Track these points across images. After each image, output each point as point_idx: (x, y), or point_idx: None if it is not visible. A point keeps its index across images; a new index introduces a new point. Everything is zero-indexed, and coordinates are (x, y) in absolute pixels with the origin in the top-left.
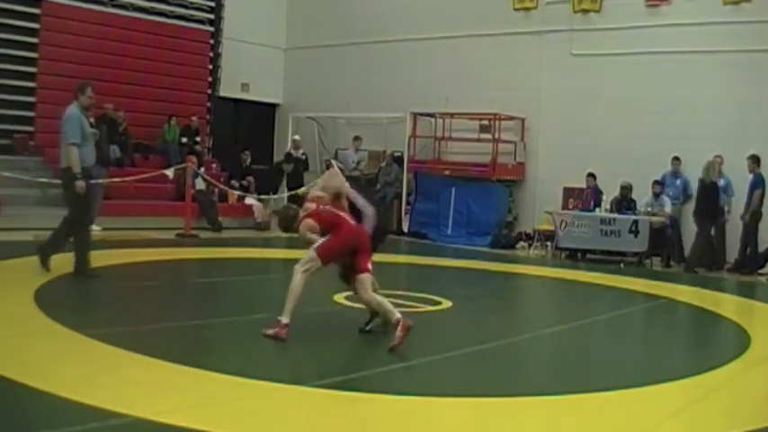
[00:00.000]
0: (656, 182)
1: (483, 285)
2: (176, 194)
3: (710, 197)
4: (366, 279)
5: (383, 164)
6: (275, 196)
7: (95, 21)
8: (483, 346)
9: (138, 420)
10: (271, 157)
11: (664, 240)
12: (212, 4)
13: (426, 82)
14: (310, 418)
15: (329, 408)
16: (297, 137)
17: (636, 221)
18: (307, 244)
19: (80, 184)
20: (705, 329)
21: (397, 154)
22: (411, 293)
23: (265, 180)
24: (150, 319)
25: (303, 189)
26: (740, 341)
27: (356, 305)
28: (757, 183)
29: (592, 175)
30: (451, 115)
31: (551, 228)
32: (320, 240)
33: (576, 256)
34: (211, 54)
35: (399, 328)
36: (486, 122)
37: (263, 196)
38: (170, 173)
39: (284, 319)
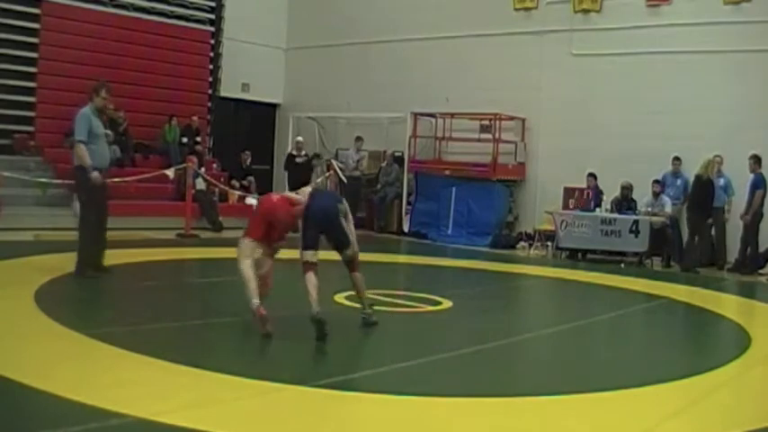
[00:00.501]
0: (655, 181)
1: (483, 285)
2: (177, 194)
3: (705, 193)
4: (244, 246)
5: (384, 164)
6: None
7: (96, 21)
8: (483, 347)
9: (139, 420)
10: (271, 158)
11: (664, 240)
12: (213, 4)
13: (427, 82)
14: (310, 418)
15: (329, 408)
16: (300, 138)
17: (636, 221)
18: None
19: (95, 174)
20: (705, 329)
21: (397, 154)
22: (411, 293)
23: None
24: (150, 319)
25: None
26: (740, 341)
27: (357, 305)
28: (758, 183)
29: (592, 175)
30: (452, 115)
31: (552, 228)
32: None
33: (576, 256)
34: (212, 54)
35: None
36: (486, 122)
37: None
38: (170, 173)
39: (254, 302)
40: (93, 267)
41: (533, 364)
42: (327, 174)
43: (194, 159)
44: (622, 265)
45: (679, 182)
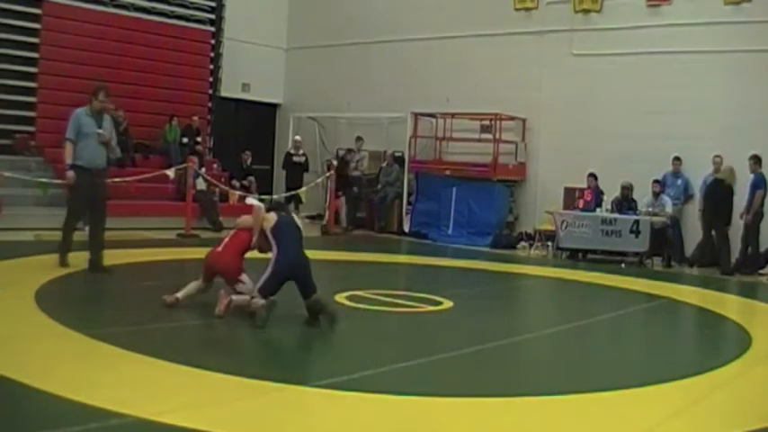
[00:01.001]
0: (656, 181)
1: (484, 285)
2: (177, 194)
3: (727, 199)
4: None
5: (384, 164)
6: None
7: (96, 21)
8: (484, 347)
9: (139, 420)
10: (272, 158)
11: (665, 240)
12: (213, 4)
13: (427, 82)
14: (311, 418)
15: (330, 408)
16: (298, 137)
17: (637, 221)
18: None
19: (69, 173)
20: (706, 329)
21: (397, 154)
22: (412, 293)
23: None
24: (151, 319)
25: (303, 190)
26: (741, 341)
27: (358, 305)
28: (758, 183)
29: (593, 175)
30: (452, 115)
31: (552, 228)
32: None
33: (576, 257)
34: (212, 54)
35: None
36: (486, 122)
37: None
38: (171, 173)
39: (179, 294)
40: (93, 267)
41: (534, 365)
42: (327, 174)
43: (195, 159)
44: (623, 266)
45: (679, 182)
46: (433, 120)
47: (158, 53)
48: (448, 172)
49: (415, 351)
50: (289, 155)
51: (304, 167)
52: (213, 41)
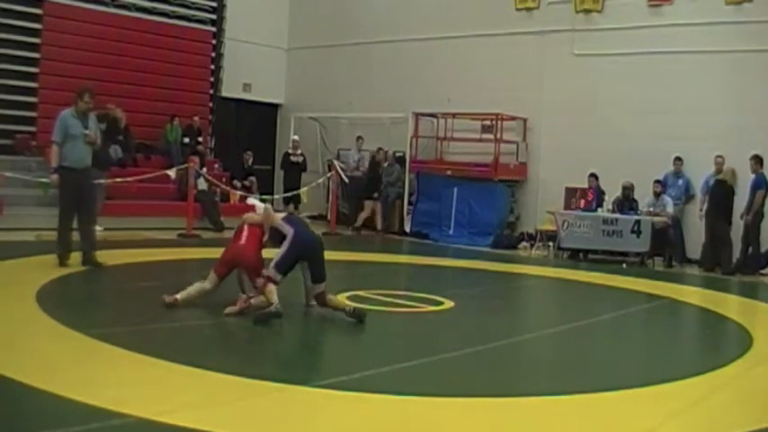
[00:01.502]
0: (657, 181)
1: (485, 286)
2: (178, 195)
3: (728, 199)
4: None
5: (385, 164)
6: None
7: (97, 21)
8: (485, 347)
9: (140, 420)
10: (273, 158)
11: (666, 240)
12: (214, 4)
13: (428, 82)
14: (312, 418)
15: (331, 408)
16: (296, 137)
17: (638, 221)
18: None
19: (53, 177)
20: (707, 330)
21: (399, 154)
22: (413, 293)
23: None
24: (152, 319)
25: (303, 190)
26: (742, 341)
27: (359, 306)
28: (759, 183)
29: (593, 176)
30: (453, 115)
31: (553, 228)
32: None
33: (578, 257)
34: (213, 54)
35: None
36: (488, 122)
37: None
38: (172, 173)
39: (179, 296)
40: (86, 262)
41: (535, 365)
42: (329, 174)
43: (196, 159)
44: (624, 266)
45: (680, 182)
46: (434, 120)
47: (159, 53)
48: (449, 172)
49: (415, 351)
50: (287, 155)
51: (302, 167)
52: (214, 41)
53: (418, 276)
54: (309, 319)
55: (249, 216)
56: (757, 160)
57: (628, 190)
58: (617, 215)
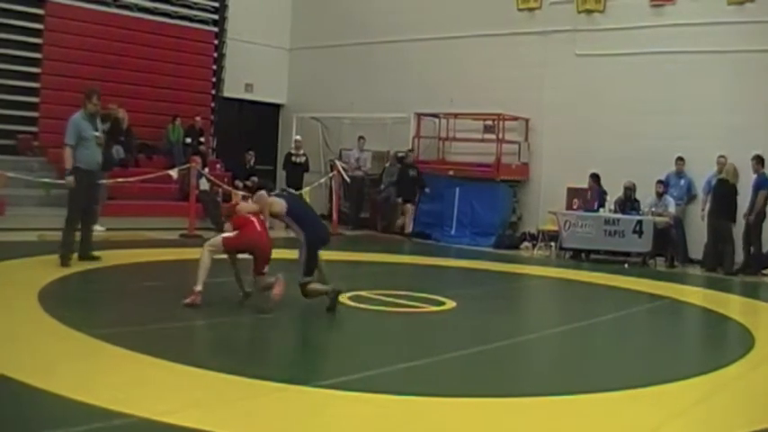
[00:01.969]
0: (659, 182)
1: (487, 286)
2: (180, 195)
3: (731, 199)
4: (260, 280)
5: (387, 164)
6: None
7: (99, 21)
8: (487, 347)
9: (142, 420)
10: (275, 158)
11: (668, 241)
12: (216, 4)
13: (430, 82)
14: (314, 418)
15: (333, 408)
16: (298, 137)
17: (640, 222)
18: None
19: (68, 179)
20: (709, 330)
21: (400, 154)
22: (415, 293)
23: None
24: (154, 319)
25: (305, 190)
26: (744, 341)
27: (360, 306)
28: (761, 183)
29: (593, 176)
30: (455, 116)
31: (555, 228)
32: (230, 234)
33: (580, 257)
34: (215, 54)
35: (275, 288)
36: (490, 123)
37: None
38: (174, 173)
39: (197, 287)
40: (83, 257)
41: (537, 365)
42: (331, 174)
43: (198, 160)
44: (626, 266)
45: (683, 182)
46: (436, 120)
47: (161, 53)
48: (451, 172)
49: (417, 351)
50: (289, 155)
51: (305, 168)
52: (216, 42)
53: (420, 276)
54: (311, 320)
55: (244, 206)
56: (758, 160)
57: (630, 190)
58: (619, 215)
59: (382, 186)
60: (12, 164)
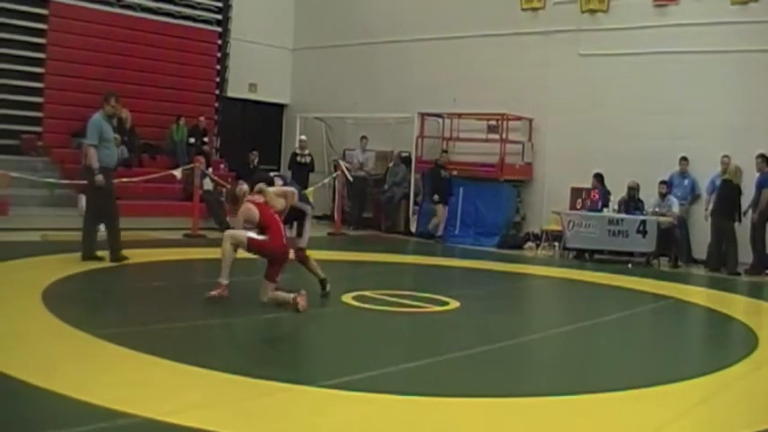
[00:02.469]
0: (662, 182)
1: (490, 286)
2: (184, 195)
3: (735, 199)
4: (267, 286)
5: (391, 164)
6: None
7: (102, 21)
8: (490, 347)
9: (146, 420)
10: (279, 158)
11: (672, 241)
12: (220, 4)
13: (434, 82)
14: (317, 418)
15: (336, 408)
16: (303, 137)
17: (644, 222)
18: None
19: (98, 177)
20: (713, 330)
21: (404, 154)
22: (418, 293)
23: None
24: (158, 319)
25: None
26: (748, 341)
27: (364, 306)
28: (765, 182)
29: (597, 176)
30: (459, 115)
31: (559, 228)
32: (257, 236)
33: (583, 257)
34: (219, 54)
35: (299, 300)
36: (493, 123)
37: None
38: (178, 173)
39: (223, 281)
40: (114, 258)
41: (540, 365)
42: (335, 174)
43: (202, 159)
44: (630, 266)
45: (686, 182)
46: (440, 120)
47: (165, 53)
48: (455, 172)
49: (421, 351)
50: (294, 155)
51: (310, 168)
52: (220, 42)
53: (423, 276)
54: (314, 319)
55: (271, 195)
56: (763, 159)
57: (633, 190)
58: (623, 215)
59: (386, 186)
60: (15, 164)
